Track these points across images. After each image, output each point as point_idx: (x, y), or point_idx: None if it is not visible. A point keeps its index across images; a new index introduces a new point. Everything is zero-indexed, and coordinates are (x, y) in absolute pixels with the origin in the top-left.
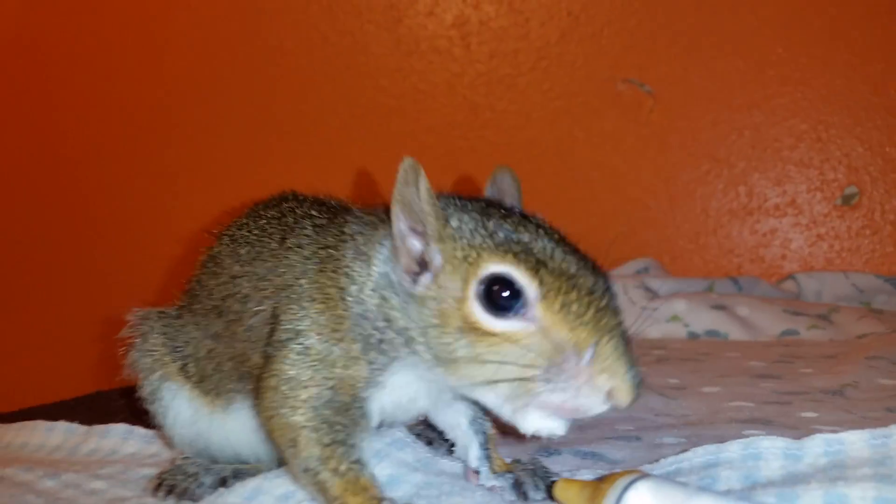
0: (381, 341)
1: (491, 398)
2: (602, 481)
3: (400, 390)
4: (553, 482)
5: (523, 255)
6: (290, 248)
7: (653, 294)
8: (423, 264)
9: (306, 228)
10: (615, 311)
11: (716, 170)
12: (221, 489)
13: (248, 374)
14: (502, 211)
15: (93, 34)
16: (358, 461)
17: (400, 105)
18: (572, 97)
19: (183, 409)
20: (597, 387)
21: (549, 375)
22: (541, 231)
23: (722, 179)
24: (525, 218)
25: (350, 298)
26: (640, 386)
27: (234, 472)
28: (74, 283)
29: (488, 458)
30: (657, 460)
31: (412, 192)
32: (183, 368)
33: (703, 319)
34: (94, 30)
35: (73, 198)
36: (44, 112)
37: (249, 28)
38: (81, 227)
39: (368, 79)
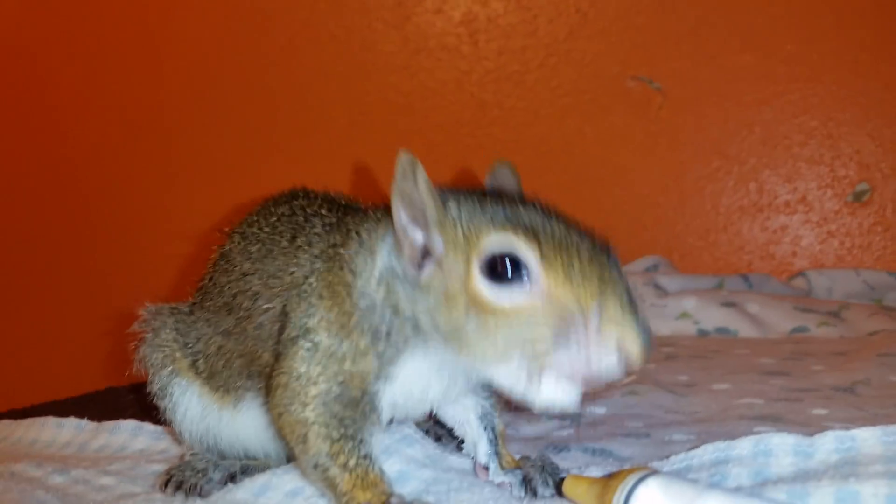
0: (389, 333)
1: (503, 374)
2: (611, 478)
3: (411, 382)
4: (562, 478)
5: (522, 227)
6: (301, 246)
7: (662, 291)
8: (425, 254)
9: (316, 227)
10: (618, 273)
11: (726, 167)
12: (230, 485)
13: (257, 371)
14: (500, 195)
15: (97, 31)
16: (367, 456)
17: (408, 102)
18: (581, 94)
19: (193, 405)
20: (607, 346)
21: (559, 341)
22: (538, 208)
23: (732, 176)
24: (523, 199)
25: (356, 293)
26: (650, 340)
27: (243, 468)
28: (84, 281)
29: (497, 454)
30: (667, 457)
31: (410, 184)
32: (193, 364)
33: (712, 316)
34: (99, 27)
35: (84, 195)
36: (53, 108)
37: (257, 26)
38: (91, 224)
39: (376, 76)
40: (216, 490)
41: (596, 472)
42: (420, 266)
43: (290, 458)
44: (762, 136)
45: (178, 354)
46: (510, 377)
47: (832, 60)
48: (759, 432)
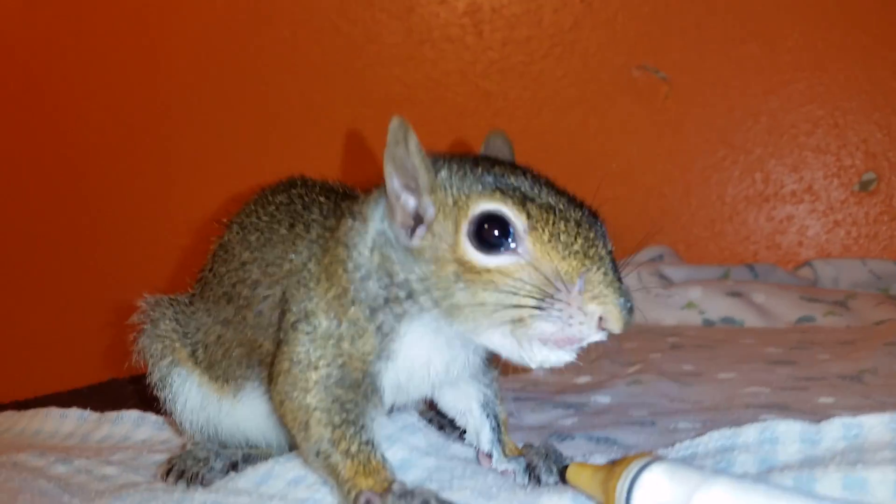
0: (386, 300)
1: (496, 338)
2: (615, 465)
3: (412, 359)
4: (566, 466)
5: (510, 192)
6: (299, 233)
7: (668, 281)
8: (417, 219)
9: (314, 213)
10: (604, 241)
11: (731, 156)
12: (232, 473)
13: (257, 360)
14: (491, 161)
15: (95, 18)
16: (369, 443)
17: (412, 94)
18: (586, 84)
19: (192, 395)
20: (588, 314)
21: (543, 306)
22: (528, 175)
23: (738, 166)
24: (514, 166)
25: (351, 265)
26: (631, 311)
27: (245, 456)
28: (84, 274)
29: (500, 442)
30: (672, 445)
31: (402, 149)
32: (193, 354)
33: (718, 306)
34: (97, 14)
35: (84, 188)
36: (52, 102)
37: (260, 17)
38: (91, 217)
39: (380, 68)
40: (218, 479)
41: (600, 460)
42: (412, 231)
43: (293, 447)
44: (768, 126)
45: (177, 345)
46: (502, 342)
47: (838, 49)
48: (765, 420)
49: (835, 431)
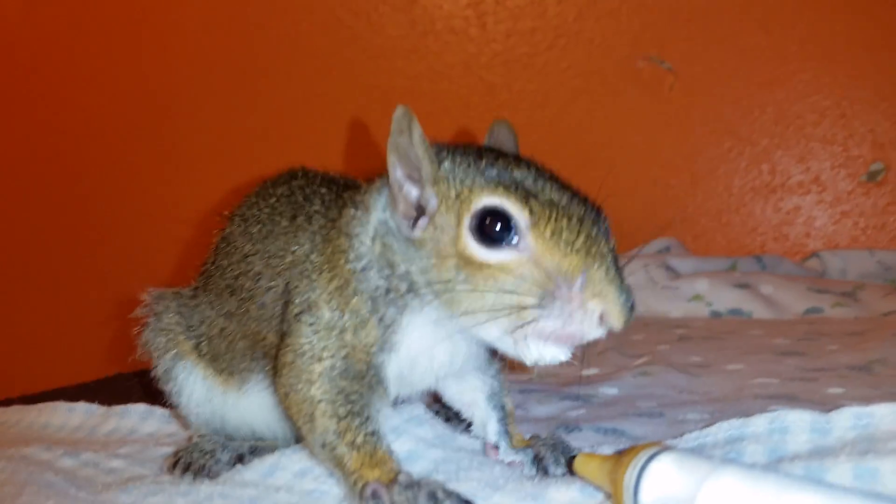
0: (388, 291)
1: (494, 333)
2: (623, 454)
3: (415, 350)
4: (573, 457)
5: (513, 187)
6: (301, 225)
7: (675, 273)
8: (419, 209)
9: (315, 205)
10: (606, 238)
11: (738, 147)
12: (239, 466)
13: (261, 353)
14: (495, 154)
15: (95, 10)
16: (375, 434)
17: (416, 86)
18: (591, 75)
19: (197, 387)
20: (589, 311)
21: (543, 303)
22: (532, 168)
23: (744, 157)
24: (518, 159)
25: (353, 255)
26: (631, 309)
27: (252, 448)
28: (88, 268)
29: (507, 433)
30: (680, 435)
31: (406, 139)
32: (196, 347)
33: (725, 298)
34: (97, 6)
35: (86, 183)
36: (53, 96)
37: (262, 9)
38: (94, 212)
39: (383, 60)
40: (225, 471)
41: (608, 451)
42: (414, 222)
43: (299, 439)
44: (775, 116)
45: (181, 338)
46: (500, 336)
47: (845, 39)
48: (774, 410)
49: (845, 421)
